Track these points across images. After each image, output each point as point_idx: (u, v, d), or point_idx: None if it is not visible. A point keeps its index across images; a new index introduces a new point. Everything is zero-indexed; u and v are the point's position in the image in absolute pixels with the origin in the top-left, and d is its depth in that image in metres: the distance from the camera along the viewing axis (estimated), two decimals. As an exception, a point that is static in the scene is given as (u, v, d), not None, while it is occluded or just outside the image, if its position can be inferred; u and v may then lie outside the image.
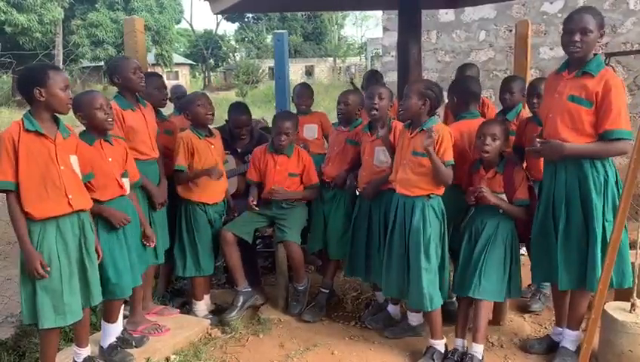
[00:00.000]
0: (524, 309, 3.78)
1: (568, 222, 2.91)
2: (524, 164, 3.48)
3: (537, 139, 2.91)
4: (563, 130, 2.85)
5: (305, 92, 4.52)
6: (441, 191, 3.13)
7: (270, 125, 4.46)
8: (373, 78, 4.88)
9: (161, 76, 3.93)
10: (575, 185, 2.88)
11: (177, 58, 39.66)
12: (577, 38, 2.79)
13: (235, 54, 46.77)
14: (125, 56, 3.63)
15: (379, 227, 3.46)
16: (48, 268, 2.52)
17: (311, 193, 3.89)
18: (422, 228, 3.06)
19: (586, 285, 2.90)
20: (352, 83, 6.07)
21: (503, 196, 3.13)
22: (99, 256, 2.77)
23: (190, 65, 45.13)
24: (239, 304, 3.72)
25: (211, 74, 44.76)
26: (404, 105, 3.11)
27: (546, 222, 3.01)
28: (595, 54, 2.87)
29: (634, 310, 2.94)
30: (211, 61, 44.59)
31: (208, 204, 3.67)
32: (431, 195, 3.09)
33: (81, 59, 27.61)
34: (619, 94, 2.76)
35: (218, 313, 3.80)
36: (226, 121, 4.48)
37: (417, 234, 3.07)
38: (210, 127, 3.78)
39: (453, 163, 3.07)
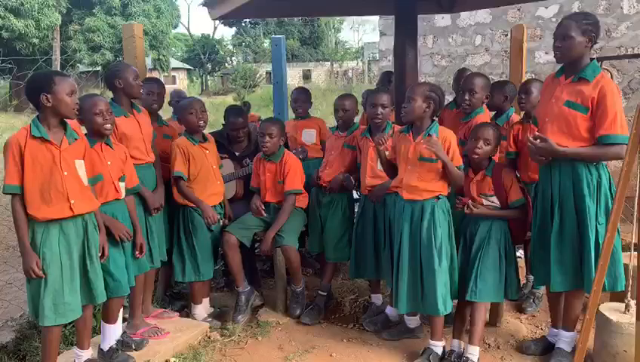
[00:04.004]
0: (520, 311, 3.81)
1: (562, 224, 2.94)
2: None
3: (530, 137, 2.90)
4: (558, 134, 2.89)
5: (301, 96, 4.55)
6: (447, 190, 3.15)
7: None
8: (387, 78, 5.04)
9: (157, 81, 3.96)
10: (569, 187, 2.91)
11: (175, 63, 39.70)
12: (558, 43, 2.87)
13: (233, 59, 46.84)
14: (126, 63, 3.67)
15: (384, 227, 3.48)
16: (41, 273, 2.56)
17: (287, 205, 3.76)
18: (433, 231, 3.06)
19: (579, 286, 2.94)
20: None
21: (494, 198, 3.17)
22: (104, 253, 2.81)
23: (187, 69, 45.16)
24: (242, 303, 3.76)
25: (209, 78, 44.82)
26: (408, 108, 3.09)
27: (544, 224, 3.04)
28: (591, 59, 2.91)
29: (628, 311, 2.97)
30: (209, 65, 44.63)
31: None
32: (439, 196, 3.10)
33: (78, 64, 27.59)
34: (614, 99, 2.79)
35: (217, 316, 3.83)
36: (223, 125, 4.50)
37: (429, 238, 3.06)
38: (206, 132, 3.82)
39: (463, 167, 3.11)
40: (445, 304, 3.08)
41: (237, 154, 4.36)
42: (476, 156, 3.13)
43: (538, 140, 2.86)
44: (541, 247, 3.06)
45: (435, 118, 3.22)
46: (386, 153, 3.29)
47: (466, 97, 3.62)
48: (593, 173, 2.88)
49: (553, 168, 2.96)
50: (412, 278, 3.13)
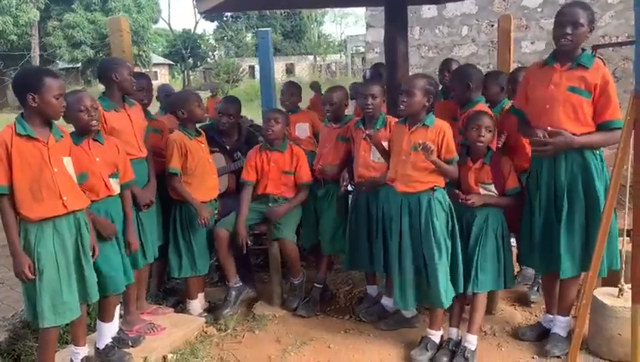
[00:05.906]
0: (515, 299, 3.85)
1: (571, 210, 2.96)
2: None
3: (541, 131, 2.89)
4: (565, 120, 2.91)
5: (288, 89, 4.53)
6: (443, 182, 3.14)
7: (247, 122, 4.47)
8: (377, 71, 4.94)
9: (145, 76, 3.91)
10: (578, 173, 2.94)
11: (156, 58, 39.28)
12: (569, 30, 2.85)
13: (215, 53, 46.48)
14: (121, 58, 3.61)
15: (376, 219, 3.47)
16: (32, 275, 2.52)
17: (303, 195, 3.84)
18: (430, 224, 3.04)
19: (584, 271, 3.00)
20: (363, 77, 6.18)
21: (492, 187, 3.18)
22: (94, 253, 2.77)
23: (169, 65, 44.71)
24: (232, 299, 3.76)
25: (190, 73, 44.41)
26: (408, 102, 3.05)
27: (549, 213, 3.05)
28: (583, 49, 2.95)
29: (622, 295, 3.02)
30: (190, 60, 44.22)
31: (202, 203, 3.65)
32: (435, 188, 3.09)
33: (57, 61, 27.20)
34: (613, 86, 2.87)
35: (212, 311, 3.81)
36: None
37: (427, 232, 3.05)
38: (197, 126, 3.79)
39: (457, 159, 3.11)
40: (447, 296, 3.08)
41: (228, 147, 4.33)
42: (481, 144, 3.13)
43: (552, 135, 2.85)
44: (547, 236, 3.05)
45: (432, 110, 3.22)
46: (384, 144, 3.30)
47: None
48: (598, 158, 2.94)
49: (558, 157, 2.96)
50: (417, 273, 3.13)
